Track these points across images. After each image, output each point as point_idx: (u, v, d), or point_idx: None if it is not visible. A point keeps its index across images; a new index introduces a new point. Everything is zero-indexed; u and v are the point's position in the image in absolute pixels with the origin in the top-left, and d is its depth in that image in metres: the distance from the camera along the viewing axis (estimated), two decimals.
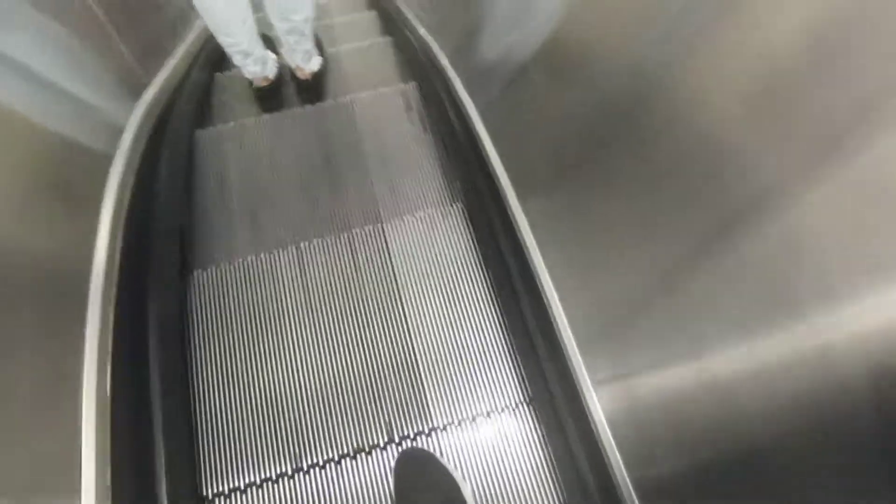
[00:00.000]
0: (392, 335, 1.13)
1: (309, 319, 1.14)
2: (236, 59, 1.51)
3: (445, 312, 1.16)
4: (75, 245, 0.91)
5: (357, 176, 1.44)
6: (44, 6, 0.99)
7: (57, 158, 0.93)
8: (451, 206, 1.29)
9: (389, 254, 1.22)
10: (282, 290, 1.17)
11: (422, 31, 1.67)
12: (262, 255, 1.19)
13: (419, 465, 0.92)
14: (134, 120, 1.24)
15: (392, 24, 2.06)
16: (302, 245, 1.22)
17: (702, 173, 0.54)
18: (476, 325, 1.15)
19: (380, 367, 1.11)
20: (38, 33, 0.98)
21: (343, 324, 1.14)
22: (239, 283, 1.17)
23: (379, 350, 1.12)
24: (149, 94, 1.36)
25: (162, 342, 1.02)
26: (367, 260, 1.21)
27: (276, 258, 1.20)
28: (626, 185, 0.69)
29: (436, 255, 1.22)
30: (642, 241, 0.67)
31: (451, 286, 1.19)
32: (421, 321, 1.15)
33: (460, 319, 1.16)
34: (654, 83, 0.60)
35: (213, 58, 1.88)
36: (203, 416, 1.06)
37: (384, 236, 1.24)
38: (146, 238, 1.12)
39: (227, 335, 1.12)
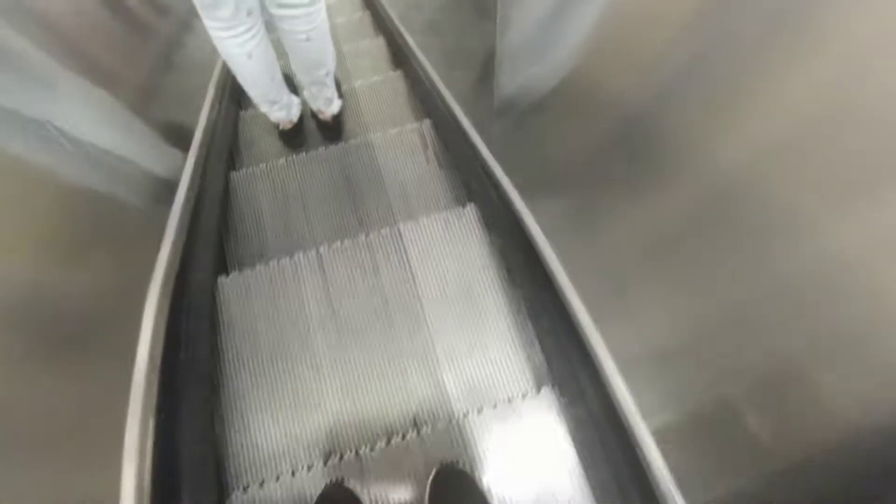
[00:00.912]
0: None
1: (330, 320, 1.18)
2: (263, 108, 1.66)
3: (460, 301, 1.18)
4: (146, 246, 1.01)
5: (377, 203, 1.54)
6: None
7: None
8: (464, 208, 1.34)
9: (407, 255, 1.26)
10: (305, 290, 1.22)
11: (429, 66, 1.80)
12: (286, 260, 1.25)
13: (454, 485, 0.92)
14: (188, 167, 1.40)
15: (401, 53, 2.19)
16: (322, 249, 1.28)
17: None
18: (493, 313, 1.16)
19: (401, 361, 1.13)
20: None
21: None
22: (266, 286, 1.22)
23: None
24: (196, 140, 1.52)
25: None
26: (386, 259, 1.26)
27: (299, 262, 1.25)
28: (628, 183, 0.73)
29: (451, 254, 1.26)
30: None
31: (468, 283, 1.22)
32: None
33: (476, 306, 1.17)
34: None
35: (236, 94, 2.05)
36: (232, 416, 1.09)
37: (402, 239, 1.29)
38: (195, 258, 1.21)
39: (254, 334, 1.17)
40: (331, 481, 0.95)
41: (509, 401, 1.02)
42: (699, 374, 0.66)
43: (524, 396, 1.03)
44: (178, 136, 1.48)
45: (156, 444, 0.82)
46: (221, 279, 1.23)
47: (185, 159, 1.43)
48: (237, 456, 1.04)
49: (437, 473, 0.91)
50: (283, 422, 1.07)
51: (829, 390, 0.46)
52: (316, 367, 1.12)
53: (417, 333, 1.16)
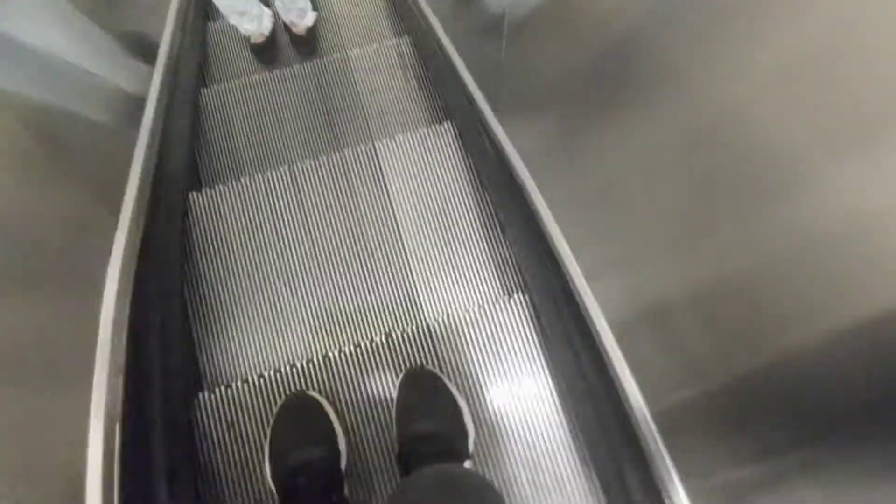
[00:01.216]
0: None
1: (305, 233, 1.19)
2: (231, 20, 1.58)
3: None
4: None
5: (353, 121, 1.50)
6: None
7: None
8: (441, 126, 1.32)
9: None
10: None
11: None
12: (260, 176, 1.24)
13: (424, 385, 0.94)
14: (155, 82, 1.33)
15: None
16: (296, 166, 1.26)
17: None
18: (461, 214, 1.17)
19: (375, 272, 1.14)
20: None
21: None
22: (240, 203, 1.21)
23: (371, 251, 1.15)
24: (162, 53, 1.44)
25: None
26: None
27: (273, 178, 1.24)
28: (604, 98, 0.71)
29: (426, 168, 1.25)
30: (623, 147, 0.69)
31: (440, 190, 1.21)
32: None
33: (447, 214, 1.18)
34: None
35: (203, 4, 1.93)
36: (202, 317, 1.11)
37: (377, 157, 1.27)
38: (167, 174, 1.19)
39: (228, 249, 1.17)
40: (293, 391, 0.97)
41: (480, 306, 1.05)
42: (665, 285, 0.68)
43: (495, 302, 1.05)
44: (142, 49, 1.40)
45: (126, 360, 0.82)
46: (194, 195, 1.22)
47: (151, 73, 1.36)
48: (209, 363, 1.07)
49: (407, 375, 0.94)
50: (255, 332, 1.10)
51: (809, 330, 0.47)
52: (290, 282, 1.14)
53: (392, 249, 1.17)
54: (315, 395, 0.95)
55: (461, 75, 1.24)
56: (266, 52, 1.67)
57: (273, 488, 0.86)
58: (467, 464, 0.85)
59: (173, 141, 1.28)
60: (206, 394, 0.98)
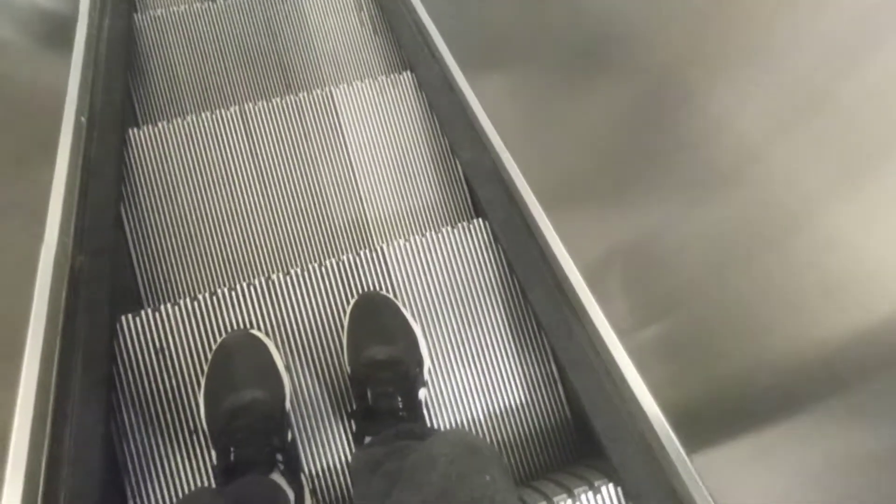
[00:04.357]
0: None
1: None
2: None
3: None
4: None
5: (306, 65, 1.44)
6: None
7: None
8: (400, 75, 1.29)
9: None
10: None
11: None
12: (208, 115, 1.17)
13: (378, 310, 0.92)
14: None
15: None
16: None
17: None
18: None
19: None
20: None
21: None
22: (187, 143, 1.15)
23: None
24: None
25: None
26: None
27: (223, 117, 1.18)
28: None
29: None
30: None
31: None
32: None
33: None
34: None
35: None
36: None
37: (333, 103, 1.23)
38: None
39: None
40: (233, 330, 0.91)
41: (437, 231, 1.03)
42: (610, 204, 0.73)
43: (453, 227, 1.04)
44: None
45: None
46: (133, 132, 1.13)
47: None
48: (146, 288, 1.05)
49: (359, 300, 0.92)
50: (195, 262, 1.08)
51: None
52: (240, 221, 1.11)
53: (347, 193, 1.16)
54: (256, 332, 0.90)
55: (421, 19, 1.21)
56: None
57: (206, 430, 0.81)
58: (422, 392, 0.86)
59: (109, 71, 1.18)
60: (131, 317, 0.90)
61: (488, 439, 0.94)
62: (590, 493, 0.79)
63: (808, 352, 0.48)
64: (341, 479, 0.90)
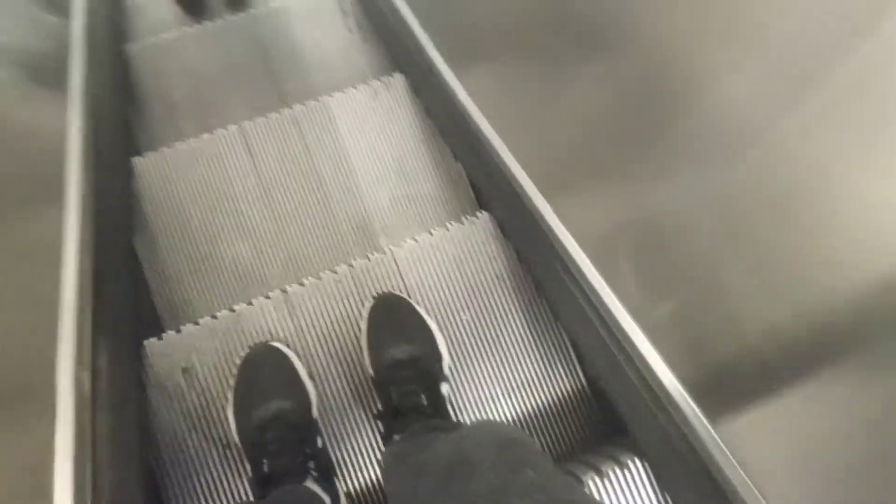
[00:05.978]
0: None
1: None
2: None
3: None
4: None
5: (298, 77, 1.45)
6: None
7: None
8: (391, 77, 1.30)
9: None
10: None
11: None
12: (207, 136, 1.19)
13: (394, 310, 0.94)
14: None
15: None
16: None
17: None
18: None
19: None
20: None
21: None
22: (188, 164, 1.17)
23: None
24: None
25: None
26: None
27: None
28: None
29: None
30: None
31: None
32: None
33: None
34: None
35: None
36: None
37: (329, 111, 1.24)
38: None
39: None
40: (254, 344, 0.93)
41: (444, 227, 1.05)
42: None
43: (459, 221, 1.06)
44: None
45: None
46: (137, 160, 1.16)
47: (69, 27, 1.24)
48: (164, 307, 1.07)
49: (374, 303, 0.93)
50: (211, 284, 1.10)
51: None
52: (249, 237, 1.13)
53: (353, 202, 1.18)
54: (277, 344, 0.92)
55: (406, 20, 1.22)
56: (193, 3, 1.56)
57: (239, 444, 0.84)
58: (445, 387, 0.87)
59: (106, 102, 1.20)
60: (154, 340, 0.93)
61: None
62: (618, 470, 0.80)
63: (827, 312, 0.48)
64: (375, 479, 0.91)
